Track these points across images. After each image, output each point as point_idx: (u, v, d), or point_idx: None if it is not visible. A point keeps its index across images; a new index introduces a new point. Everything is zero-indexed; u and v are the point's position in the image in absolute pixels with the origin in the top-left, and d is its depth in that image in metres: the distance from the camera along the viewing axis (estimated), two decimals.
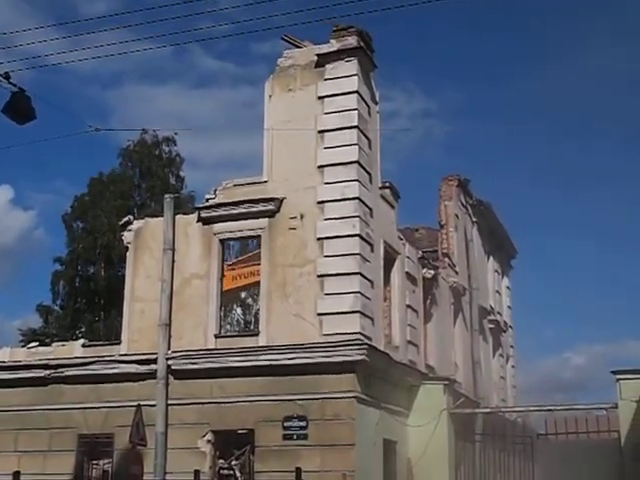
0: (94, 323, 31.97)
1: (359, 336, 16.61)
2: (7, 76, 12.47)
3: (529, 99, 67.41)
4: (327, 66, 18.26)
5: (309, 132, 17.97)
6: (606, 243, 68.57)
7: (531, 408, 22.18)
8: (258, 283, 18.01)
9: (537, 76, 68.30)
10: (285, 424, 16.64)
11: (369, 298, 17.46)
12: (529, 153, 67.54)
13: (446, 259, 25.49)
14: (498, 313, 31.96)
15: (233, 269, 18.62)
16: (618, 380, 19.01)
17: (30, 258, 54.63)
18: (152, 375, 17.87)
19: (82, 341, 19.95)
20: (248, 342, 17.59)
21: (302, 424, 16.53)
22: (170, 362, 17.85)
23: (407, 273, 20.90)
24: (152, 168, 33.91)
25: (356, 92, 18.00)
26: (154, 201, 32.22)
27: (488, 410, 23.09)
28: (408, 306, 20.76)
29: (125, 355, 18.47)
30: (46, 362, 19.07)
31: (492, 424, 22.96)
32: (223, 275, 18.66)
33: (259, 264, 17.97)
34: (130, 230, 19.42)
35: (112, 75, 66.85)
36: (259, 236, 18.16)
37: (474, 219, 29.22)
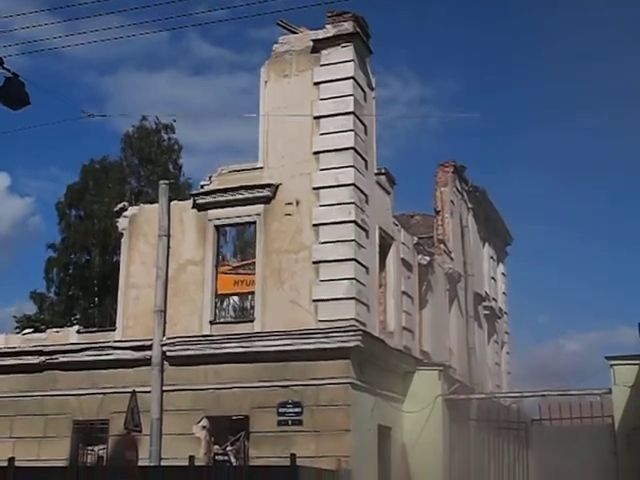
0: (89, 310, 31.96)
1: (354, 322, 16.62)
2: (1, 61, 12.37)
3: (527, 87, 67.39)
4: (323, 52, 18.18)
5: (305, 118, 17.91)
6: (602, 230, 68.74)
7: (525, 394, 22.20)
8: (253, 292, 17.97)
9: (535, 66, 68.25)
10: (280, 410, 16.68)
11: (364, 284, 17.46)
12: (526, 140, 67.59)
13: (441, 245, 25.48)
14: (493, 299, 32.00)
15: (237, 273, 18.55)
16: (612, 366, 19.05)
17: (27, 245, 54.64)
18: (147, 361, 17.87)
19: (77, 327, 19.90)
20: (243, 328, 17.58)
21: (297, 410, 16.56)
22: (165, 348, 17.85)
23: (402, 259, 20.89)
24: (151, 155, 33.83)
25: (352, 78, 17.94)
26: (152, 188, 32.15)
27: (483, 396, 23.12)
28: (403, 292, 20.76)
29: (120, 341, 18.45)
30: (41, 349, 19.07)
31: (487, 410, 23.00)
32: (218, 261, 18.65)
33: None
34: (125, 217, 19.36)
35: (108, 61, 66.59)
36: (254, 222, 18.13)
37: (470, 205, 29.19)
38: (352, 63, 17.98)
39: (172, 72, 66.36)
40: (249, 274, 18.13)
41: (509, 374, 33.85)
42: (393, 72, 68.09)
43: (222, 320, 18.41)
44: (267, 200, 17.87)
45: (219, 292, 18.32)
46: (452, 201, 26.95)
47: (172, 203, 18.88)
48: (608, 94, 64.56)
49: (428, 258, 22.85)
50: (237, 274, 18.45)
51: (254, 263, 17.97)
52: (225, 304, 31.70)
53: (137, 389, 17.04)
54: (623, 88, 65.99)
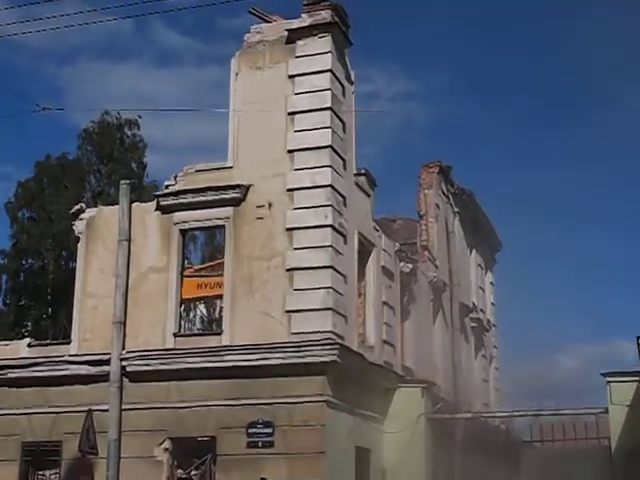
0: (41, 321, 31.62)
1: (330, 335, 16.58)
2: None
3: (519, 82, 67.83)
4: (298, 42, 18.17)
5: (278, 114, 17.88)
6: (600, 235, 69.07)
7: (515, 413, 22.28)
8: (221, 296, 17.90)
9: (529, 59, 68.71)
10: (249, 431, 16.59)
11: (342, 294, 17.43)
12: (518, 139, 67.96)
13: (425, 252, 25.53)
14: (481, 311, 32.10)
15: (201, 275, 18.47)
16: (608, 383, 19.09)
17: None
18: (105, 377, 17.73)
19: (28, 340, 19.70)
20: (210, 341, 17.51)
21: (268, 431, 16.49)
22: (125, 363, 17.72)
23: (383, 267, 20.89)
24: (113, 153, 33.63)
25: (329, 71, 17.92)
26: (113, 188, 31.94)
27: (469, 415, 23.16)
28: (384, 303, 20.76)
29: (75, 355, 18.31)
30: None
31: (474, 430, 23.04)
32: (184, 268, 18.56)
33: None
34: (82, 219, 19.24)
35: (67, 51, 66.27)
36: (223, 226, 18.07)
37: (456, 209, 29.29)
38: (330, 55, 17.97)
39: (136, 63, 66.25)
40: (214, 276, 18.05)
41: (498, 391, 33.94)
42: (376, 65, 68.28)
43: (187, 332, 18.36)
44: (237, 202, 17.81)
45: (183, 297, 18.19)
46: (437, 204, 27.01)
47: (134, 205, 18.77)
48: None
49: (411, 266, 22.87)
50: (201, 277, 18.37)
51: (219, 265, 17.90)
52: (191, 315, 31.59)
53: (93, 408, 16.90)
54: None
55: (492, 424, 27.09)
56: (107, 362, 17.77)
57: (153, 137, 68.38)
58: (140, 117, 33.82)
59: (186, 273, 18.51)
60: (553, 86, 67.85)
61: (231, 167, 18.19)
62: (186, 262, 19.12)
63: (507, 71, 69.77)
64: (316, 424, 16.27)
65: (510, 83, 69.03)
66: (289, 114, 17.89)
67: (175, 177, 18.61)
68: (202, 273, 18.55)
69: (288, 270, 17.13)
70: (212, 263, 18.48)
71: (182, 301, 18.36)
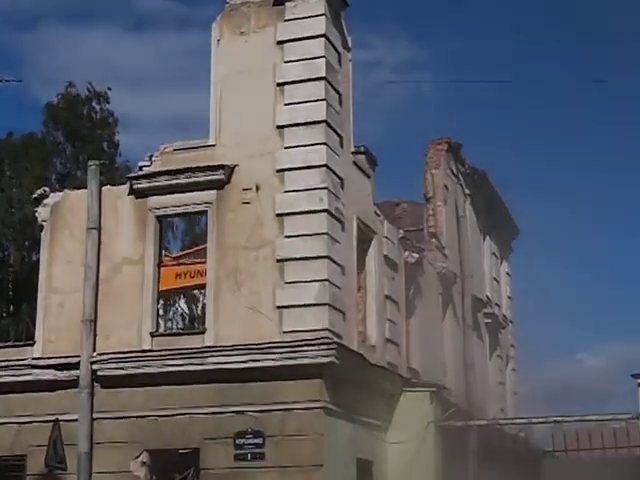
0: (1, 320, 31.62)
1: (327, 333, 16.57)
2: None
3: (537, 49, 67.72)
4: (287, 4, 18.13)
5: (266, 85, 17.85)
6: (625, 222, 69.21)
7: (535, 420, 22.31)
8: (203, 286, 17.87)
9: (548, 23, 68.55)
10: (237, 441, 16.60)
11: (339, 287, 17.42)
12: (538, 115, 67.80)
13: (433, 240, 25.52)
14: (496, 305, 32.12)
15: (179, 264, 18.45)
16: None
17: None
18: (73, 383, 17.73)
19: None
20: (192, 342, 17.51)
21: (258, 441, 16.50)
22: (95, 367, 17.72)
23: (386, 257, 20.88)
24: (80, 130, 33.54)
25: (323, 36, 17.88)
26: (81, 170, 31.87)
27: (484, 422, 23.20)
28: (387, 297, 20.76)
29: (40, 359, 18.29)
30: None
31: (489, 439, 23.07)
32: (161, 260, 18.54)
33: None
34: (46, 205, 19.20)
35: (28, 15, 66.02)
36: (205, 212, 18.06)
37: (467, 191, 29.26)
38: (323, 18, 17.93)
39: (107, 28, 66.06)
40: (195, 264, 18.03)
41: (516, 395, 34.02)
42: (376, 29, 68.42)
43: (166, 332, 18.39)
44: (220, 185, 17.78)
45: (160, 289, 18.17)
46: (446, 186, 26.99)
47: (104, 188, 18.74)
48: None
49: (417, 255, 22.86)
50: (179, 265, 18.34)
51: (200, 251, 17.87)
52: (170, 313, 31.65)
53: (61, 417, 16.94)
54: None
55: (509, 432, 27.12)
56: (76, 366, 17.75)
57: (125, 112, 68.34)
58: (110, 89, 33.75)
59: (163, 262, 18.48)
60: (584, 54, 67.79)
61: (213, 145, 18.16)
62: (164, 252, 19.11)
63: (530, 38, 69.52)
64: (312, 433, 16.28)
65: (532, 51, 68.92)
66: (278, 85, 17.85)
67: (150, 157, 18.57)
68: (181, 261, 18.49)
69: (278, 261, 17.12)
70: (191, 250, 18.45)
71: (160, 295, 18.38)
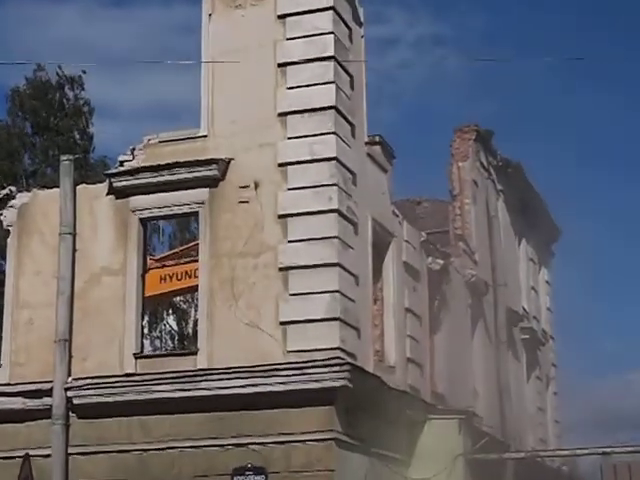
0: None
1: (338, 353, 16.57)
2: None
3: (584, 22, 67.53)
4: None
5: (265, 66, 17.88)
6: None
7: (580, 451, 22.28)
8: (196, 288, 17.88)
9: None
10: (235, 479, 16.60)
11: (352, 299, 17.42)
12: (577, 101, 67.64)
13: (460, 243, 25.53)
14: (534, 318, 32.12)
15: (161, 266, 18.46)
16: None
17: None
18: (45, 413, 17.74)
19: None
20: (182, 364, 17.54)
21: (260, 478, 16.49)
22: (71, 394, 17.73)
23: (406, 263, 20.90)
24: (50, 120, 33.62)
25: (331, 8, 17.90)
26: (51, 166, 31.96)
27: (522, 455, 23.19)
28: (408, 310, 20.78)
29: (7, 385, 18.33)
30: None
31: (527, 474, 23.06)
32: (146, 269, 18.56)
33: (197, 260, 17.86)
34: (12, 207, 19.25)
35: None
36: (196, 213, 18.10)
37: (499, 187, 29.28)
38: None
39: (81, 3, 66.14)
40: (182, 264, 18.03)
41: (558, 423, 34.00)
42: (394, 1, 68.33)
43: (152, 353, 18.36)
44: (214, 182, 17.82)
45: (147, 294, 18.20)
46: (474, 181, 27.00)
47: (79, 187, 18.78)
48: None
49: (442, 262, 22.87)
50: (164, 267, 18.35)
51: (187, 251, 17.86)
52: (157, 330, 31.68)
53: (31, 452, 16.99)
54: None
55: (551, 466, 27.10)
56: (48, 393, 17.77)
57: (103, 100, 68.47)
58: (85, 73, 33.82)
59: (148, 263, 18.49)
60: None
61: (205, 136, 18.19)
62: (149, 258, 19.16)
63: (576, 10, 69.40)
64: (322, 469, 16.26)
65: (579, 26, 68.73)
66: (279, 66, 17.87)
67: (132, 150, 18.60)
68: (165, 263, 18.50)
69: (281, 269, 17.13)
70: (176, 250, 18.43)
71: (144, 307, 18.36)
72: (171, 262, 18.60)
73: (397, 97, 62.66)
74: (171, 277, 18.32)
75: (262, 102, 17.86)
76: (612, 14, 68.26)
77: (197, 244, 18.23)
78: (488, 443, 21.10)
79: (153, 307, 29.94)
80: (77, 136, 34.23)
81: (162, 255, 18.73)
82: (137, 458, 17.31)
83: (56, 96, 34.11)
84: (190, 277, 17.86)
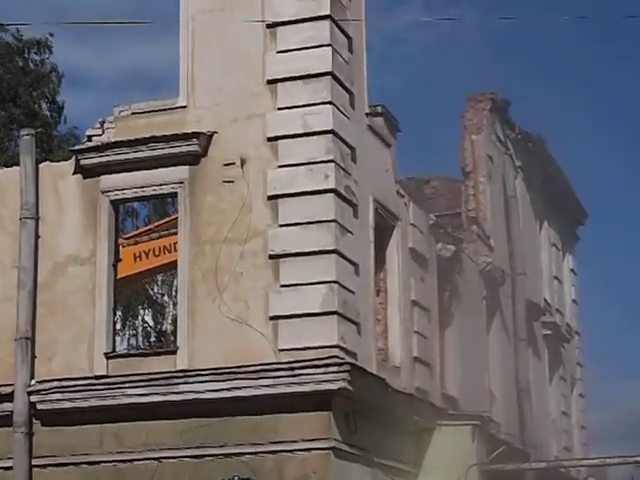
0: None
1: (337, 351, 16.59)
2: None
3: None
4: None
5: (253, 26, 17.82)
6: None
7: (610, 460, 22.32)
8: (175, 265, 17.88)
9: None
10: None
11: (352, 291, 17.44)
12: (609, 69, 67.50)
13: (474, 227, 25.53)
14: (557, 312, 32.16)
15: (135, 242, 18.39)
16: None
17: None
18: (6, 420, 17.77)
19: None
20: (160, 365, 17.56)
21: None
22: (35, 398, 17.75)
23: (412, 250, 20.92)
24: (12, 89, 33.55)
25: None
26: (12, 141, 31.95)
27: (543, 465, 23.23)
28: (414, 303, 20.80)
29: None
30: None
31: None
32: (118, 258, 18.54)
33: (177, 233, 17.85)
34: None
35: None
36: (175, 194, 18.10)
37: (518, 164, 29.26)
38: None
39: None
40: (159, 238, 17.96)
41: (584, 429, 34.05)
42: None
43: (126, 352, 18.35)
44: (194, 159, 17.82)
45: (120, 275, 18.18)
46: (490, 157, 26.99)
47: (42, 166, 18.81)
48: None
49: (453, 248, 22.87)
50: (137, 244, 18.28)
51: (162, 226, 17.76)
52: (132, 326, 31.62)
53: None
54: None
55: (577, 477, 27.15)
56: (9, 397, 17.79)
57: (72, 65, 68.30)
58: (52, 35, 33.77)
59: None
60: None
61: (184, 107, 18.18)
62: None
63: None
64: None
65: None
66: (268, 27, 17.85)
67: (102, 123, 18.58)
68: (138, 239, 18.44)
69: (272, 257, 17.14)
70: (152, 225, 18.34)
71: (117, 305, 18.36)
72: (146, 236, 18.52)
73: (404, 63, 62.53)
74: (147, 254, 18.25)
75: (249, 68, 17.85)
76: None
77: (174, 219, 18.09)
78: (505, 452, 21.14)
79: (128, 301, 29.99)
80: (43, 106, 34.18)
81: (134, 233, 18.59)
82: (110, 470, 17.33)
83: (19, 62, 34.01)
84: (170, 251, 17.75)
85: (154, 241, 18.15)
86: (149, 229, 18.51)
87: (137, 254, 18.28)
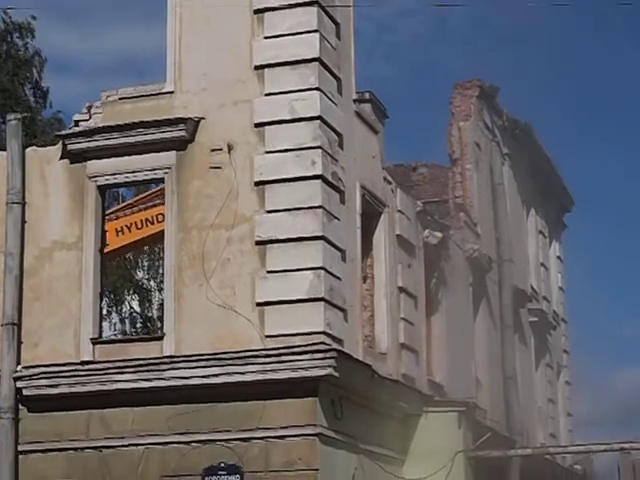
0: None
1: (323, 338, 16.61)
2: None
3: None
4: None
5: (240, 11, 17.84)
6: None
7: (596, 447, 22.39)
8: (162, 236, 17.85)
9: None
10: (207, 479, 16.67)
11: (339, 277, 17.46)
12: (600, 56, 67.42)
13: (461, 214, 25.56)
14: (544, 299, 32.22)
15: (117, 217, 18.29)
16: None
17: None
18: None
19: None
20: (147, 351, 17.56)
21: (234, 479, 16.54)
22: (20, 384, 17.75)
23: (399, 237, 20.94)
24: None
25: None
26: None
27: (529, 452, 23.28)
28: (401, 289, 20.83)
29: None
30: None
31: (536, 473, 23.17)
32: (105, 243, 18.53)
33: (162, 203, 17.81)
34: None
35: None
36: (161, 180, 18.11)
37: (505, 151, 29.29)
38: None
39: None
40: (150, 206, 17.92)
41: (570, 417, 34.15)
42: None
43: (112, 338, 18.36)
44: (181, 144, 17.80)
45: (106, 250, 18.15)
46: (477, 144, 27.00)
47: (28, 150, 18.77)
48: None
49: (440, 235, 22.89)
50: (118, 219, 18.19)
51: (156, 193, 17.70)
52: (118, 310, 31.55)
53: None
54: None
55: (562, 464, 27.22)
56: None
57: (58, 50, 68.02)
58: (35, 19, 33.62)
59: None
60: None
61: (171, 92, 18.15)
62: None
63: None
64: (304, 468, 16.31)
65: None
66: (256, 12, 17.83)
67: (89, 108, 18.54)
68: (121, 214, 18.39)
69: (258, 243, 17.14)
70: (132, 199, 18.28)
71: (103, 290, 18.34)
72: (129, 210, 18.50)
73: (394, 50, 62.32)
74: (129, 227, 18.20)
75: (236, 53, 17.82)
76: None
77: (155, 192, 18.04)
78: (491, 439, 21.18)
79: (114, 286, 29.97)
80: (27, 91, 34.07)
81: (114, 208, 18.49)
82: (96, 456, 17.33)
83: (2, 46, 33.89)
84: (153, 223, 17.69)
85: (136, 214, 18.08)
86: (129, 203, 18.43)
87: (119, 228, 18.26)
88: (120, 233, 18.17)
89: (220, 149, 17.60)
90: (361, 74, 19.63)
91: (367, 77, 19.82)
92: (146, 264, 33.38)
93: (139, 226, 17.94)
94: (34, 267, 18.32)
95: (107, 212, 18.37)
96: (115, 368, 17.33)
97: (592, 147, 64.43)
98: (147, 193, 17.86)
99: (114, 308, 32.43)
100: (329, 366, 16.40)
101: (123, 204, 18.34)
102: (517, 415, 26.27)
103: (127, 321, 32.97)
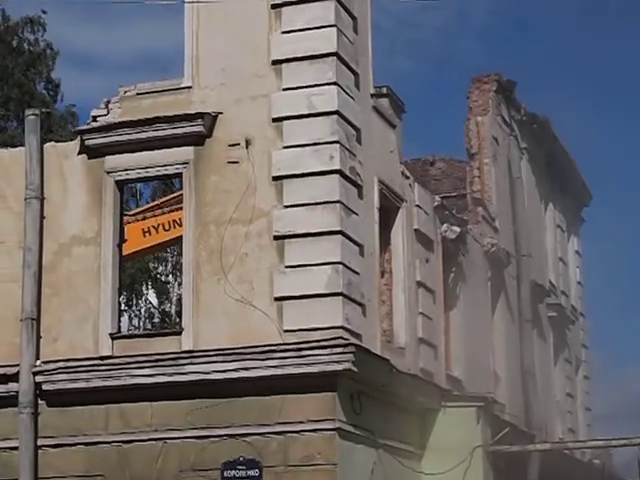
0: None
1: (341, 332, 16.64)
2: None
3: None
4: None
5: (257, 6, 17.85)
6: None
7: (616, 442, 22.35)
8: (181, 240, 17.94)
9: None
10: (226, 474, 16.70)
11: (357, 272, 17.47)
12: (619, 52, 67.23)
13: (479, 209, 25.53)
14: (562, 294, 32.17)
15: (142, 218, 18.34)
16: None
17: None
18: (11, 400, 17.80)
19: None
20: (165, 346, 17.58)
21: (253, 473, 16.57)
22: (40, 379, 17.78)
23: (417, 231, 20.94)
24: (8, 68, 33.48)
25: None
26: (14, 122, 31.92)
27: (548, 446, 23.25)
28: (419, 284, 20.84)
29: None
30: None
31: (555, 468, 23.15)
32: (123, 238, 18.57)
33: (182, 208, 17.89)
34: None
35: None
36: (179, 175, 18.13)
37: (524, 145, 29.24)
38: None
39: None
40: (167, 213, 17.96)
41: (589, 411, 34.09)
42: None
43: (131, 333, 18.38)
44: (199, 139, 17.82)
45: (126, 252, 18.18)
46: (495, 138, 26.96)
47: (47, 146, 18.79)
48: None
49: (458, 229, 22.87)
50: (145, 219, 18.24)
51: (177, 198, 17.74)
52: (137, 306, 31.68)
53: None
54: None
55: (581, 458, 27.17)
56: (14, 378, 17.84)
57: (69, 44, 68.02)
58: (45, 13, 33.69)
59: (125, 219, 18.43)
60: None
61: (189, 87, 18.17)
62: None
63: None
64: (323, 462, 16.34)
65: None
66: (273, 7, 17.84)
67: (107, 103, 18.57)
68: (148, 215, 18.46)
69: (277, 238, 17.16)
70: (157, 201, 18.34)
71: (122, 286, 18.37)
72: (152, 212, 18.55)
73: (409, 43, 62.13)
74: (156, 228, 18.23)
75: (254, 48, 17.84)
76: None
77: (181, 194, 18.15)
78: (510, 433, 21.19)
79: (132, 281, 30.03)
80: (39, 86, 34.12)
81: (141, 209, 18.54)
82: (115, 451, 17.39)
83: (13, 40, 33.89)
84: (180, 225, 17.76)
85: (162, 216, 18.13)
86: (155, 204, 18.49)
87: (146, 229, 18.30)
88: (147, 234, 18.19)
89: (238, 144, 17.61)
90: (380, 68, 19.66)
91: (386, 71, 19.80)
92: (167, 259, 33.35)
93: (166, 228, 17.99)
94: (53, 262, 18.38)
95: (135, 212, 18.41)
96: (134, 363, 17.38)
97: (610, 141, 64.20)
98: (175, 194, 17.85)
99: (131, 303, 32.46)
100: (347, 361, 16.42)
101: (149, 205, 18.35)
102: (536, 410, 26.24)
103: (144, 316, 32.98)
